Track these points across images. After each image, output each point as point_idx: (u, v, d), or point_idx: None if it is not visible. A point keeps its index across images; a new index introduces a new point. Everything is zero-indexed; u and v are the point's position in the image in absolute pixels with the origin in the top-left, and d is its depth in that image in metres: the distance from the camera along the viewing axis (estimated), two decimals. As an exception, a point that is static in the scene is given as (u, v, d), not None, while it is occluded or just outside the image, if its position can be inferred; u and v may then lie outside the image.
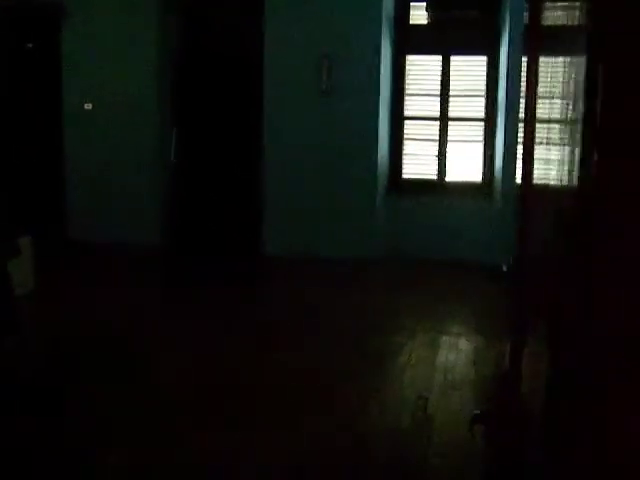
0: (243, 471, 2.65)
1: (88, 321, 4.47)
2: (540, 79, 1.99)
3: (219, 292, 5.45)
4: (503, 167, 6.61)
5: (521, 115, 2.20)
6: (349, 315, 4.83)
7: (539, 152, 1.98)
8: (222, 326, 4.49)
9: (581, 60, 1.27)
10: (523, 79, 2.05)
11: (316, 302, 5.17)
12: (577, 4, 1.38)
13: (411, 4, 7.02)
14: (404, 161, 7.20)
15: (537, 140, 2.00)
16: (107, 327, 4.34)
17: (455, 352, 4.10)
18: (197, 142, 7.25)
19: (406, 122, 7.16)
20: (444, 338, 4.33)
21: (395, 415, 3.12)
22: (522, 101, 2.03)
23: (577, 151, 1.27)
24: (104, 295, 5.12)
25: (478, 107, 7.02)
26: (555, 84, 1.75)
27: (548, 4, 2.02)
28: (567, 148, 1.42)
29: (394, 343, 4.23)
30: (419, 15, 7.09)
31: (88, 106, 7.10)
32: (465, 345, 4.21)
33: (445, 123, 7.04)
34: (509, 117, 6.52)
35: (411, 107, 7.15)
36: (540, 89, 1.99)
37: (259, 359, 3.85)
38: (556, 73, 1.75)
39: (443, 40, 6.96)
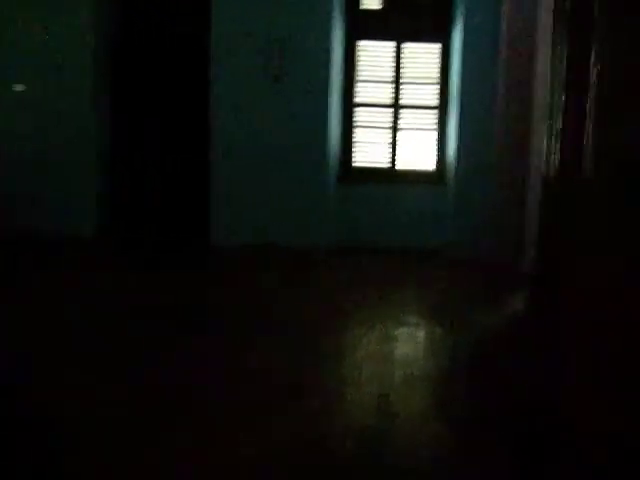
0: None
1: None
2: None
3: (154, 284, 5.13)
4: (457, 155, 6.54)
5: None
6: (300, 308, 4.65)
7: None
8: (158, 324, 4.22)
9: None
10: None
11: (265, 294, 4.96)
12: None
13: (363, -12, 6.87)
14: (355, 149, 7.06)
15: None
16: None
17: (413, 344, 3.98)
18: (139, 129, 6.92)
19: (357, 109, 7.01)
20: (401, 329, 4.20)
21: (356, 414, 2.96)
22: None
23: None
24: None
25: (431, 95, 6.94)
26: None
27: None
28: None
29: (349, 337, 4.08)
30: (371, 0, 6.95)
31: (19, 87, 6.67)
32: (423, 336, 4.09)
33: (397, 110, 6.93)
34: (462, 105, 6.45)
35: (362, 94, 7.00)
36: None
37: (204, 359, 3.61)
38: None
39: (395, 26, 6.84)
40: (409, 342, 4.01)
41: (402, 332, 4.16)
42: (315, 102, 6.56)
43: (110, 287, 4.96)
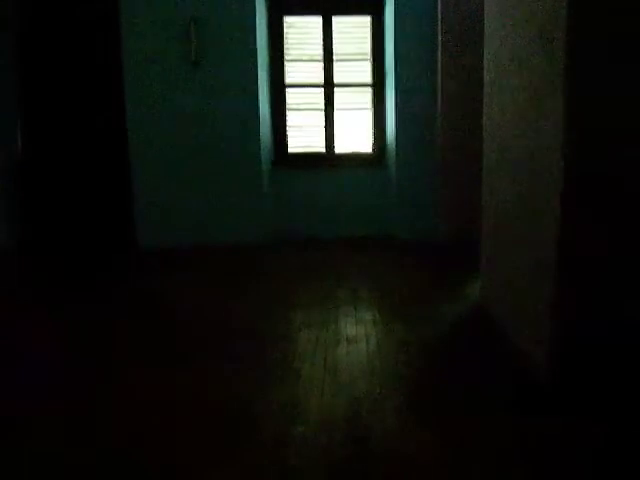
0: None
1: None
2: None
3: (72, 298, 4.64)
4: (396, 135, 6.15)
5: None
6: (236, 314, 4.20)
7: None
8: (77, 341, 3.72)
9: None
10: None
11: (196, 301, 4.49)
12: None
13: (286, -40, 6.37)
14: (289, 133, 6.59)
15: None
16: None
17: (368, 347, 3.58)
18: (48, 129, 6.27)
19: (288, 90, 6.54)
20: (352, 332, 3.79)
21: (324, 440, 2.53)
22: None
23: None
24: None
25: (364, 72, 6.52)
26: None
27: None
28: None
29: (297, 344, 3.65)
30: (295, -28, 6.46)
31: None
32: (377, 339, 3.69)
33: (330, 90, 6.49)
34: (398, 81, 6.06)
35: (293, 74, 6.53)
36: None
37: (130, 375, 3.14)
38: None
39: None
40: (354, 354, 3.61)
41: (350, 341, 3.75)
42: (241, 86, 6.06)
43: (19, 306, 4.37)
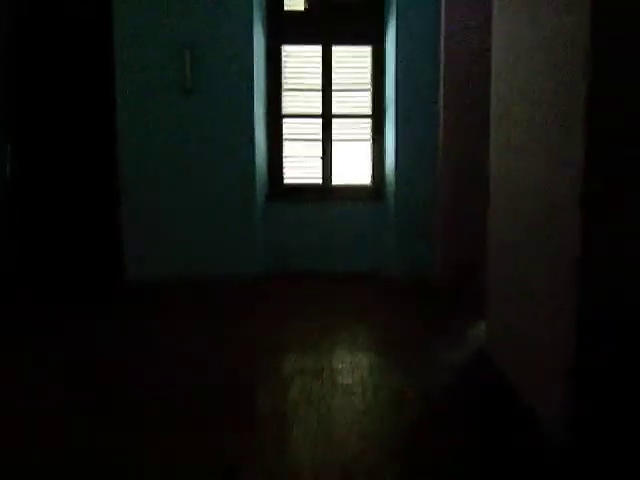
0: None
1: None
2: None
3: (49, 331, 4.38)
4: (395, 168, 5.95)
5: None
6: (223, 359, 3.94)
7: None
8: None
9: None
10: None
11: (179, 344, 4.23)
12: None
13: (285, -13, 6.23)
14: (285, 164, 6.39)
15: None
16: None
17: (365, 400, 3.32)
18: (37, 152, 6.07)
19: (285, 120, 6.35)
20: (348, 380, 3.53)
21: None
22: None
23: None
24: None
25: (364, 103, 6.34)
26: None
27: None
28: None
29: (289, 396, 3.39)
30: (295, 1, 6.31)
31: None
32: (374, 391, 3.43)
33: (329, 121, 6.31)
34: (398, 113, 5.88)
35: (290, 104, 6.35)
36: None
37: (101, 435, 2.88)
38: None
39: (323, 28, 6.23)
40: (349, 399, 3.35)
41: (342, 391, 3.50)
42: (237, 115, 5.88)
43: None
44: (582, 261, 2.45)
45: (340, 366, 3.72)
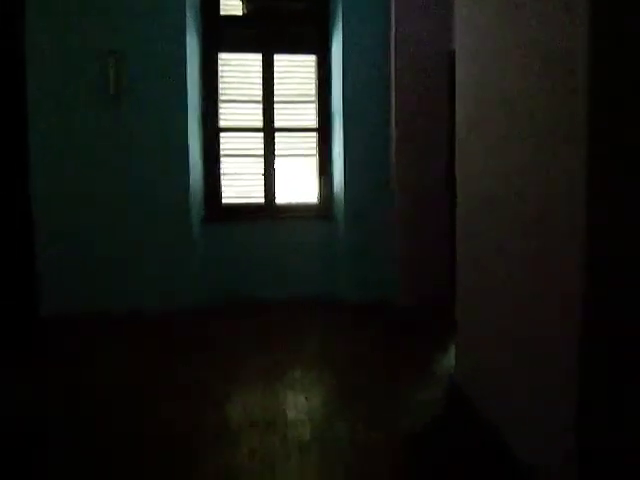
0: None
1: None
2: None
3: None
4: (344, 184, 5.50)
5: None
6: (155, 411, 3.36)
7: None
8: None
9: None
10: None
11: (100, 392, 3.63)
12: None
13: (221, -10, 5.73)
14: (223, 183, 5.85)
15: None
16: None
17: (325, 460, 2.81)
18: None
19: (223, 135, 5.81)
20: (305, 433, 3.02)
21: None
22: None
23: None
24: None
25: (309, 115, 5.88)
26: None
27: None
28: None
29: (234, 458, 2.85)
30: (233, 5, 5.82)
31: None
32: (337, 446, 2.92)
33: (271, 135, 5.81)
34: (346, 125, 5.44)
35: (228, 117, 5.82)
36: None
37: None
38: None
39: (263, 35, 5.76)
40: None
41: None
42: (169, 128, 5.31)
43: None
44: (587, 292, 2.03)
45: (295, 416, 3.19)
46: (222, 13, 5.77)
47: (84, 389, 3.58)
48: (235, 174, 5.88)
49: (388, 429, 3.01)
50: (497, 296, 2.84)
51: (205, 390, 3.56)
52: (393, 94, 5.12)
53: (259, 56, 5.75)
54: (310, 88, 5.86)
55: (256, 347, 4.37)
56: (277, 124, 5.81)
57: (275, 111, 5.79)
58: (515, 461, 2.58)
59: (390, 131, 5.29)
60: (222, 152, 5.82)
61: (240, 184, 5.88)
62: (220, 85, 5.79)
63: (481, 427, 2.94)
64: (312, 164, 5.92)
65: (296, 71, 5.84)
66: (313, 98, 5.86)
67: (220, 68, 5.79)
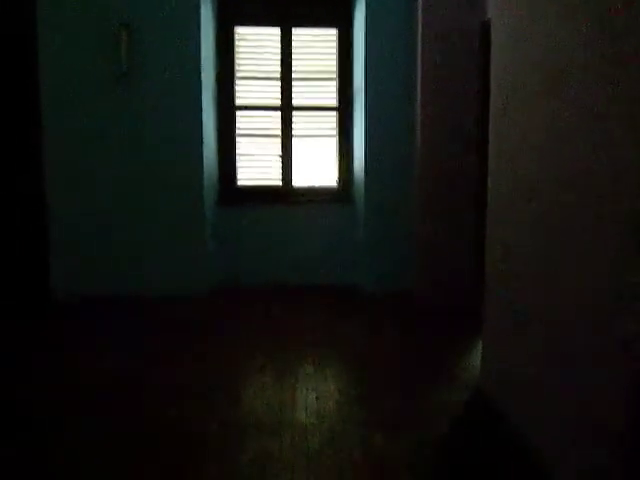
0: None
1: None
2: None
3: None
4: (365, 167, 5.20)
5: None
6: (156, 400, 3.14)
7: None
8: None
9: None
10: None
11: (114, 375, 3.42)
12: None
13: (237, -40, 5.42)
14: (239, 164, 5.58)
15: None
16: None
17: (338, 470, 2.56)
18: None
19: (238, 113, 5.54)
20: (314, 443, 2.76)
21: None
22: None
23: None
24: None
25: (329, 93, 5.57)
26: None
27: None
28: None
29: (238, 469, 2.61)
30: (249, -25, 5.51)
31: None
32: (351, 462, 2.66)
33: (289, 114, 5.52)
34: (368, 104, 5.12)
35: (244, 94, 5.54)
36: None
37: None
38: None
39: (282, 8, 5.45)
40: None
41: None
42: (182, 106, 5.06)
43: None
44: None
45: (305, 420, 2.93)
46: (239, -16, 5.47)
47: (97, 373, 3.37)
48: (251, 155, 5.61)
49: (407, 437, 2.74)
50: (536, 296, 2.54)
51: (207, 391, 3.32)
52: (419, 70, 4.78)
53: (277, 30, 5.45)
54: (330, 64, 5.54)
55: (266, 338, 4.12)
56: (295, 102, 5.51)
57: (293, 89, 5.50)
58: (542, 467, 2.30)
59: (415, 110, 4.96)
60: (238, 132, 5.55)
61: (256, 165, 5.62)
62: (236, 61, 5.51)
63: (510, 441, 2.65)
64: (332, 145, 5.61)
65: (316, 46, 5.53)
66: (333, 75, 5.54)
67: (236, 43, 5.50)
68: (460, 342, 3.99)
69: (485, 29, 4.49)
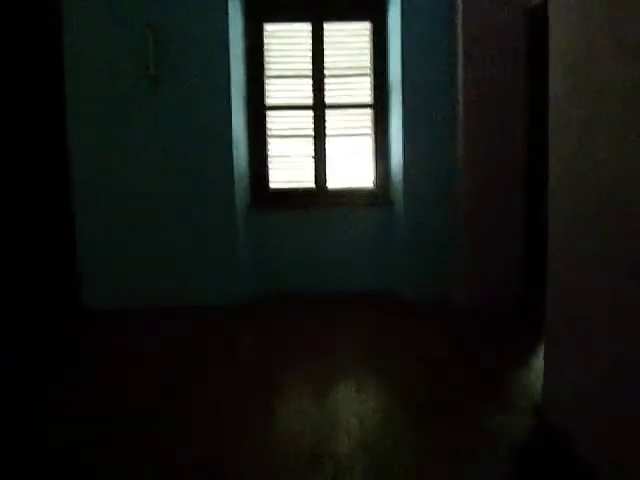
0: None
1: None
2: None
3: None
4: (403, 166, 4.93)
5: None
6: (188, 426, 2.94)
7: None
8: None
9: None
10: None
11: (139, 392, 3.24)
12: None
13: (266, -46, 5.20)
14: (270, 166, 5.36)
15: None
16: None
17: None
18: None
19: (269, 113, 5.32)
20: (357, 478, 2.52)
21: None
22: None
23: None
24: None
25: (363, 90, 5.31)
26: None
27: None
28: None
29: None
30: (277, -30, 5.29)
31: None
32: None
33: (321, 113, 5.28)
34: (406, 101, 4.85)
35: (275, 93, 5.32)
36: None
37: None
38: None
39: (313, 2, 5.21)
40: None
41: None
42: (211, 108, 4.86)
43: None
44: None
45: (347, 449, 2.69)
46: (267, -21, 5.24)
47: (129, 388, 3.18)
48: (283, 156, 5.39)
49: (459, 470, 2.48)
50: (602, 309, 2.25)
51: (245, 407, 3.10)
52: (460, 63, 4.50)
53: (308, 26, 5.22)
54: (364, 59, 5.27)
55: (301, 352, 3.88)
56: (328, 101, 5.27)
57: (326, 86, 5.26)
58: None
59: (456, 107, 4.67)
60: (269, 132, 5.34)
61: (289, 167, 5.39)
62: (266, 59, 5.29)
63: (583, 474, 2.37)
64: (367, 144, 5.35)
65: (348, 41, 5.27)
66: (367, 71, 5.28)
67: (266, 40, 5.28)
68: (512, 355, 3.70)
69: (532, 16, 4.19)
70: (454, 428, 2.82)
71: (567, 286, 2.61)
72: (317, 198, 5.32)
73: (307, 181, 5.37)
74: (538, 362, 3.36)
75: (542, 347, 3.04)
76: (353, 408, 3.06)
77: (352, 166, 5.38)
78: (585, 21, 2.38)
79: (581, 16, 2.42)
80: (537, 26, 4.08)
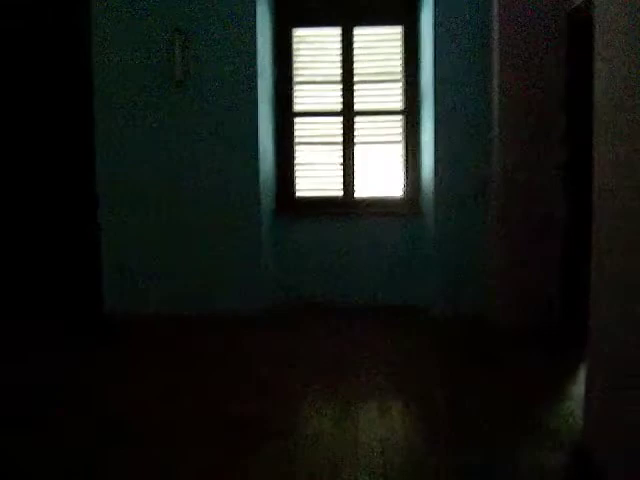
0: None
1: None
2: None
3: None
4: (435, 175, 4.75)
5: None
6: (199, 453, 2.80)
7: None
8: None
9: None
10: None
11: (156, 405, 3.11)
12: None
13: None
14: (297, 173, 5.23)
15: None
16: None
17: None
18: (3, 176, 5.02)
19: (297, 120, 5.20)
20: None
21: None
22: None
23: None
24: None
25: (394, 96, 5.15)
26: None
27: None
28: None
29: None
30: (307, -27, 5.17)
31: None
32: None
33: (350, 119, 5.13)
34: (437, 107, 4.68)
35: (303, 99, 5.20)
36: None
37: None
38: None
39: (342, 7, 5.09)
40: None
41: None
42: (238, 113, 4.76)
43: None
44: None
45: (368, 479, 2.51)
46: (296, -17, 5.13)
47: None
48: (310, 164, 5.26)
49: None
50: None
51: (257, 433, 2.96)
52: (496, 69, 4.32)
53: (337, 30, 5.09)
54: (395, 64, 5.12)
55: (322, 371, 3.71)
56: (357, 107, 5.13)
57: (355, 92, 5.13)
58: None
59: (491, 114, 4.49)
60: (296, 139, 5.22)
61: (316, 175, 5.26)
62: (294, 65, 5.18)
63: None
64: (397, 152, 5.19)
65: (379, 46, 5.13)
66: (399, 76, 5.13)
67: (294, 46, 5.17)
68: (549, 380, 3.49)
69: (573, 17, 3.99)
70: (486, 458, 2.63)
71: (619, 305, 2.41)
72: (344, 207, 5.18)
73: (335, 189, 5.23)
74: (578, 389, 3.14)
75: (583, 372, 2.83)
76: (377, 433, 2.89)
77: (381, 175, 5.23)
78: (635, 22, 2.20)
79: (630, 17, 2.24)
80: (578, 27, 3.89)
